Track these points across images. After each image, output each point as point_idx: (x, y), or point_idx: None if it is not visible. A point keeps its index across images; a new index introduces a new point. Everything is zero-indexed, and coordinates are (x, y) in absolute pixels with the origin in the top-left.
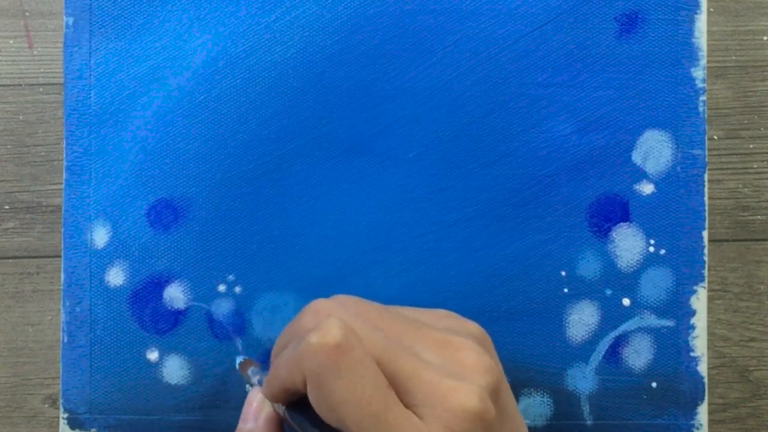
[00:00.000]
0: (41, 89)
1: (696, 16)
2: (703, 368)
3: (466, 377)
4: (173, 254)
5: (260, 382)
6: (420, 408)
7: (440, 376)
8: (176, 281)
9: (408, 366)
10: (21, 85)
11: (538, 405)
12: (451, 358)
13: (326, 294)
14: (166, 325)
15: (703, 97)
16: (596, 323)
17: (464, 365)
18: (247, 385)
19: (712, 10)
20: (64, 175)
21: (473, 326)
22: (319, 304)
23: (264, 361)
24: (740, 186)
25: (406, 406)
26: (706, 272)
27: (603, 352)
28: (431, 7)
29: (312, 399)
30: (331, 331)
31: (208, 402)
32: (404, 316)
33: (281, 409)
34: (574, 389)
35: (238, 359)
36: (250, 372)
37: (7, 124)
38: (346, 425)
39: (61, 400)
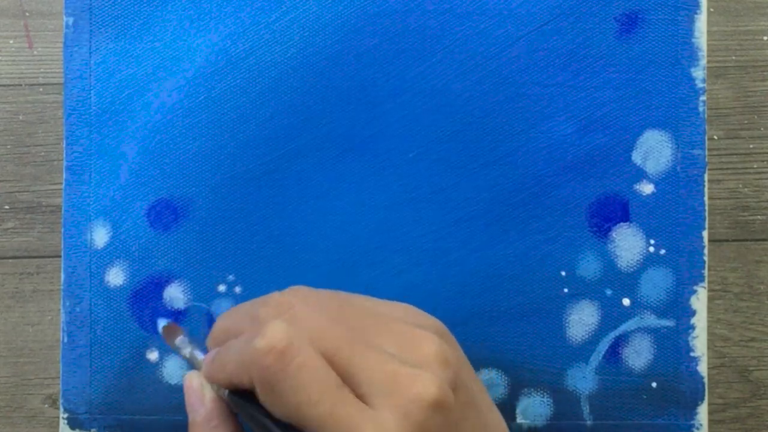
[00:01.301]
0: (41, 89)
1: (696, 16)
2: (703, 368)
3: (424, 367)
4: (173, 254)
5: (195, 353)
6: (377, 398)
7: (398, 366)
8: (176, 281)
9: (366, 357)
10: (21, 85)
11: (538, 405)
12: (411, 349)
13: None
14: None
15: (703, 97)
16: (596, 323)
17: (424, 356)
18: (180, 356)
19: (712, 10)
20: (64, 175)
21: (434, 321)
22: (281, 297)
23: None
24: (740, 186)
25: (364, 397)
26: (706, 272)
27: (603, 352)
28: (431, 7)
29: (263, 401)
30: (276, 335)
31: None
32: (366, 308)
33: (224, 392)
34: (574, 389)
35: (161, 323)
36: (179, 341)
37: (7, 124)
38: (301, 425)
39: (61, 400)
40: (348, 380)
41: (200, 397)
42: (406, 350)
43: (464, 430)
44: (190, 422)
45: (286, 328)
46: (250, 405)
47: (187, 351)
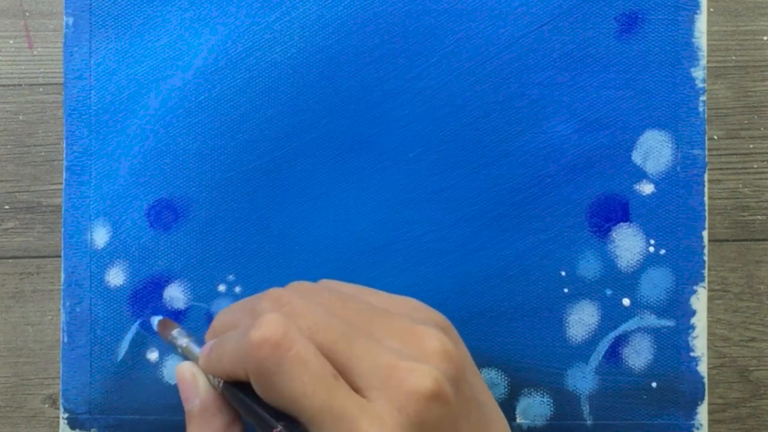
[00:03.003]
0: (41, 89)
1: (696, 16)
2: (703, 368)
3: (424, 361)
4: (173, 254)
5: (190, 345)
6: (372, 391)
7: (396, 359)
8: (176, 281)
9: (363, 350)
10: (21, 85)
11: (538, 405)
12: (413, 344)
13: None
14: None
15: (703, 97)
16: (596, 323)
17: (424, 351)
18: (176, 349)
19: (712, 10)
20: (64, 175)
21: (438, 316)
22: (277, 292)
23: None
24: (740, 186)
25: (360, 390)
26: (706, 272)
27: (603, 352)
28: (431, 7)
29: (257, 391)
30: (270, 327)
31: None
32: (369, 303)
33: (218, 382)
34: (574, 389)
35: (155, 320)
36: (175, 333)
37: (7, 124)
38: (296, 416)
39: (61, 400)
40: (344, 373)
41: (194, 388)
42: (407, 345)
43: (465, 427)
44: (187, 413)
45: (281, 320)
46: (244, 395)
47: (183, 342)
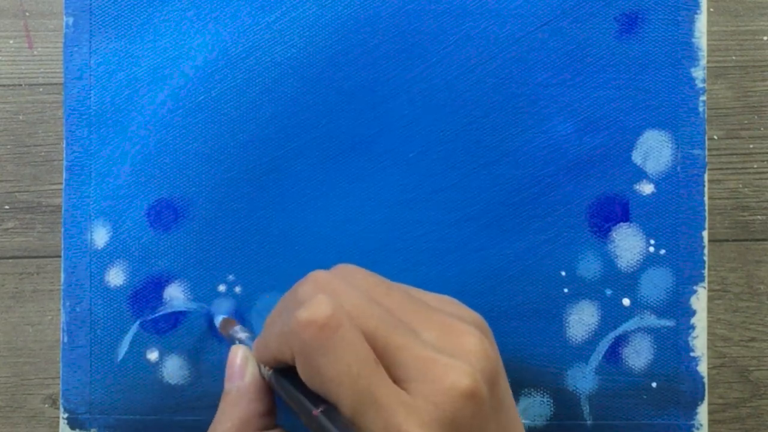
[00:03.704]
0: (41, 89)
1: (696, 16)
2: (703, 368)
3: (462, 358)
4: (173, 254)
5: (248, 340)
6: (411, 383)
7: (435, 353)
8: (176, 281)
9: (403, 341)
10: (21, 85)
11: (538, 405)
12: (451, 340)
13: None
14: (166, 325)
15: (703, 97)
16: (596, 323)
17: (463, 348)
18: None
19: (712, 10)
20: (64, 175)
21: (476, 315)
22: (320, 275)
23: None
24: (740, 186)
25: (398, 380)
26: (706, 272)
27: (603, 352)
28: (431, 7)
29: (301, 373)
30: (319, 308)
31: (208, 402)
32: (411, 295)
33: (267, 372)
34: (574, 389)
35: (218, 318)
36: (233, 330)
37: (7, 124)
38: (334, 399)
39: (61, 400)
40: (384, 361)
41: (240, 371)
42: (445, 341)
43: (494, 428)
44: (225, 392)
45: (328, 301)
46: (291, 381)
47: (243, 335)
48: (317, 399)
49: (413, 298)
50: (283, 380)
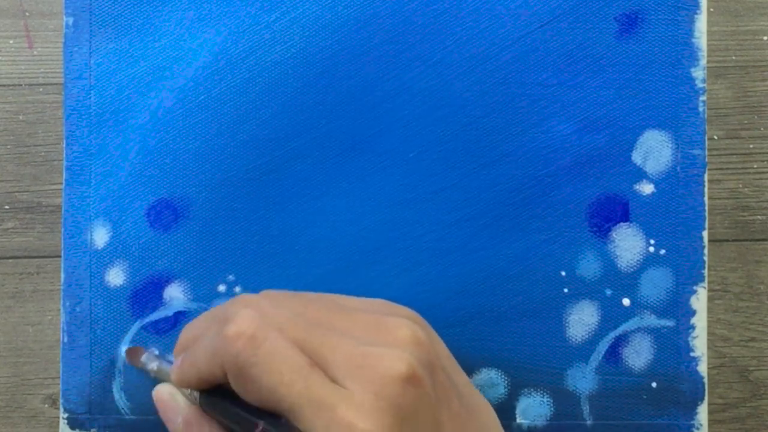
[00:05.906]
0: (41, 89)
1: (696, 16)
2: (703, 368)
3: (394, 347)
4: (173, 254)
5: (162, 365)
6: (348, 380)
7: (367, 347)
8: (176, 281)
9: (334, 342)
10: (21, 85)
11: (538, 405)
12: (382, 334)
13: None
14: (166, 325)
15: (703, 97)
16: (596, 323)
17: (395, 339)
18: (149, 374)
19: (712, 10)
20: (64, 175)
21: (409, 311)
22: (246, 296)
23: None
24: (740, 186)
25: (336, 379)
26: (706, 272)
27: (603, 352)
28: (431, 7)
29: (235, 387)
30: (245, 321)
31: None
32: (338, 303)
33: (194, 395)
34: (574, 389)
35: (123, 348)
36: (144, 359)
37: (7, 124)
38: (274, 407)
39: (61, 400)
40: (319, 366)
41: (174, 407)
42: (377, 336)
43: (446, 414)
44: None
45: (254, 315)
46: (223, 400)
47: (154, 365)
48: (257, 411)
49: (340, 305)
50: (216, 400)
